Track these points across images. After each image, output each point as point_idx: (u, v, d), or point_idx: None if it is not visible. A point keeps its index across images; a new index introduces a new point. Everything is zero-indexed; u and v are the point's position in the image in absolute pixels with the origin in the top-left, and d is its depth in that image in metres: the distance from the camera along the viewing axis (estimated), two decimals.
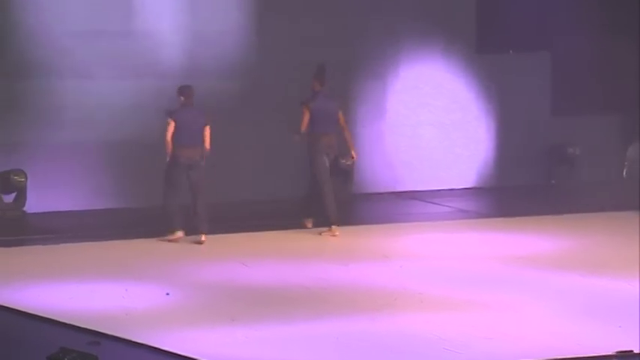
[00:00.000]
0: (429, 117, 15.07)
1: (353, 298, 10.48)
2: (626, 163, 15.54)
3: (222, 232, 12.49)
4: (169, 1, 13.94)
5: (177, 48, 13.75)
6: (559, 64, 15.80)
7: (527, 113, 15.54)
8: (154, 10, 13.76)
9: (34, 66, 13.45)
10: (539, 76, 15.72)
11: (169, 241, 12.08)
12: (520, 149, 15.42)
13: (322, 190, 12.95)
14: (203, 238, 12.05)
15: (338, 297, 10.51)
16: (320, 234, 12.82)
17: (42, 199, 13.32)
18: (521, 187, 15.12)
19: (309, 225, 13.15)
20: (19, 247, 12.45)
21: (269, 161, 14.33)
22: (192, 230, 12.30)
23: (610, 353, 9.50)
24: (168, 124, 11.72)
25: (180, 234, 12.09)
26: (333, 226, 12.65)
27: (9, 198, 13.13)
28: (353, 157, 13.08)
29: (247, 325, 9.17)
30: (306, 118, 12.66)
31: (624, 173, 14.79)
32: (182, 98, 11.85)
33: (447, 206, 14.57)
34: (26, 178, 12.89)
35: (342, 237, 12.89)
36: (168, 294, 10.34)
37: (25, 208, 13.29)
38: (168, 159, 11.77)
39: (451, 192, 14.98)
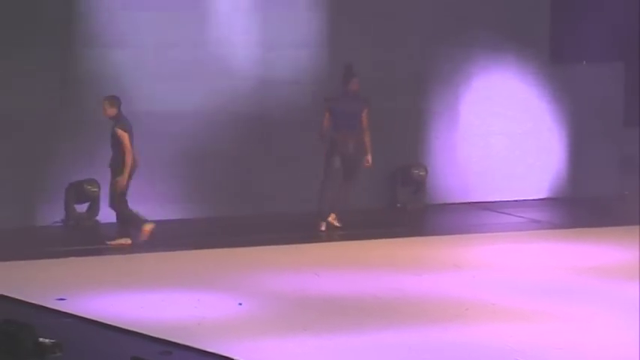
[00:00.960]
0: (501, 127, 14.60)
1: (425, 308, 10.35)
2: None
3: (295, 243, 12.28)
4: (241, 14, 13.85)
5: (249, 57, 13.66)
6: (632, 75, 15.48)
7: (600, 124, 15.23)
8: (227, 21, 13.72)
9: (107, 79, 13.22)
10: (612, 87, 15.48)
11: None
12: (592, 160, 15.03)
13: (323, 183, 12.55)
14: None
15: (410, 307, 10.32)
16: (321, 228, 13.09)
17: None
18: (594, 197, 14.81)
19: (323, 228, 12.81)
20: (93, 256, 12.23)
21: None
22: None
23: None
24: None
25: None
26: (321, 221, 12.48)
27: (82, 208, 13.08)
28: (368, 162, 12.62)
29: (319, 335, 9.14)
30: (326, 117, 12.49)
31: None
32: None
33: (519, 217, 14.41)
34: (99, 187, 12.84)
35: (414, 247, 12.90)
36: (240, 304, 10.25)
37: (98, 218, 13.20)
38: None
39: (524, 202, 14.73)
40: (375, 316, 10.35)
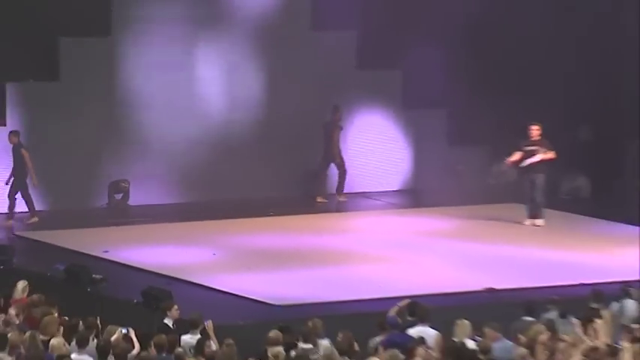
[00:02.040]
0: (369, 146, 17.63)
1: (325, 256, 13.32)
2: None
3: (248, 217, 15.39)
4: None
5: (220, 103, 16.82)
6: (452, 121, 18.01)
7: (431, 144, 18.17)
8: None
9: (133, 111, 16.26)
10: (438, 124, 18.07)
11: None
12: (429, 168, 17.93)
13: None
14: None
15: (316, 255, 13.38)
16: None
17: (139, 196, 16.03)
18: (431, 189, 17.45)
19: (320, 200, 16.18)
20: (125, 226, 14.83)
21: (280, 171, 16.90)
22: None
23: (479, 289, 11.62)
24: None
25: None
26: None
27: (119, 197, 15.86)
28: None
29: (260, 272, 12.26)
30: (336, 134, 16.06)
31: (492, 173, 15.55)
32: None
33: (383, 201, 17.20)
34: (129, 184, 15.75)
35: (319, 220, 15.70)
36: (214, 254, 13.11)
37: (129, 202, 16.01)
38: None
39: (386, 192, 17.48)
40: (295, 260, 13.08)
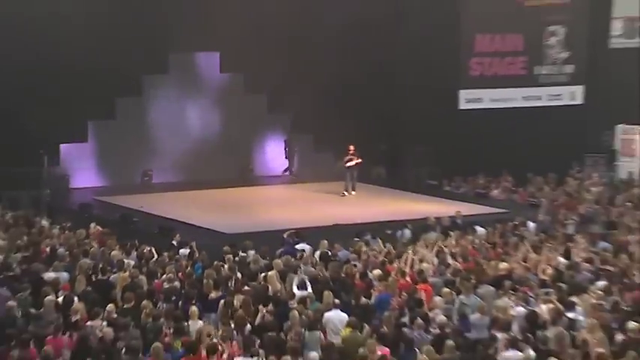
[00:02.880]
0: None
1: (252, 207, 18.40)
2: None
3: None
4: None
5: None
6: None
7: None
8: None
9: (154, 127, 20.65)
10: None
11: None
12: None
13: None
14: None
15: (247, 206, 18.49)
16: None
17: (160, 176, 20.19)
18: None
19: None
20: (145, 194, 18.93)
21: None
22: None
23: (331, 224, 16.06)
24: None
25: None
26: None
27: (147, 179, 19.84)
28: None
29: (214, 215, 16.71)
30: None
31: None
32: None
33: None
34: (152, 171, 20.26)
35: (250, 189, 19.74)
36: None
37: (152, 182, 19.88)
38: None
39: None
40: (236, 209, 16.90)
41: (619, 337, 9.11)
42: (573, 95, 21.68)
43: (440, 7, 20.17)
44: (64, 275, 10.89)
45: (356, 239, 13.31)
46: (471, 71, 21.10)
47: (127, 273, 10.81)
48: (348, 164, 18.53)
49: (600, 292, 10.31)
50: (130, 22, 18.61)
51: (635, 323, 9.15)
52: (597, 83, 21.60)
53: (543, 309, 9.75)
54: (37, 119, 17.45)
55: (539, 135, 20.28)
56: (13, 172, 17.64)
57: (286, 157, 21.28)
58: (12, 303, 10.09)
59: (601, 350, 8.65)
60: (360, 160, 18.69)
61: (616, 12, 21.81)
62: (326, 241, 12.77)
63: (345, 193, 18.60)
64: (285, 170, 20.89)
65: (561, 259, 11.85)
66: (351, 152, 18.40)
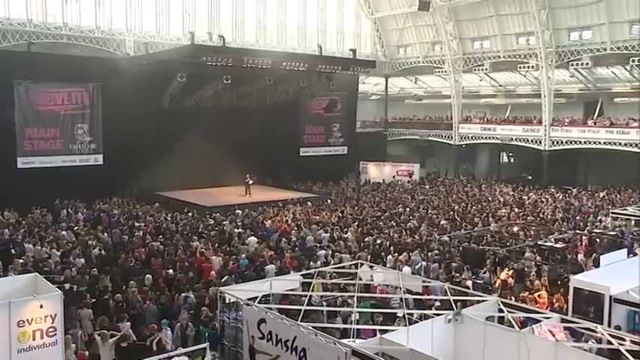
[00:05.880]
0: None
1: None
2: None
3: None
4: None
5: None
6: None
7: None
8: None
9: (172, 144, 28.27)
10: None
11: None
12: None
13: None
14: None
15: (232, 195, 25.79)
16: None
17: (183, 182, 28.24)
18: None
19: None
20: (161, 192, 26.32)
21: None
22: None
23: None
24: None
25: None
26: None
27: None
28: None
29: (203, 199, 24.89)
30: None
31: None
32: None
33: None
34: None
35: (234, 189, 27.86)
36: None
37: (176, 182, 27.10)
38: None
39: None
40: (215, 199, 26.41)
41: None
42: (339, 149, 39.95)
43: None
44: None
45: (259, 209, 23.27)
46: None
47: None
48: (247, 180, 29.17)
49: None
50: None
51: None
52: (356, 145, 36.81)
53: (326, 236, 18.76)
54: None
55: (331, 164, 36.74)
56: None
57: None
58: (124, 236, 18.28)
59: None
60: (252, 181, 28.85)
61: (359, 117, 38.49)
62: (246, 210, 22.15)
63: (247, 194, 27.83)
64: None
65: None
66: (248, 176, 28.83)
